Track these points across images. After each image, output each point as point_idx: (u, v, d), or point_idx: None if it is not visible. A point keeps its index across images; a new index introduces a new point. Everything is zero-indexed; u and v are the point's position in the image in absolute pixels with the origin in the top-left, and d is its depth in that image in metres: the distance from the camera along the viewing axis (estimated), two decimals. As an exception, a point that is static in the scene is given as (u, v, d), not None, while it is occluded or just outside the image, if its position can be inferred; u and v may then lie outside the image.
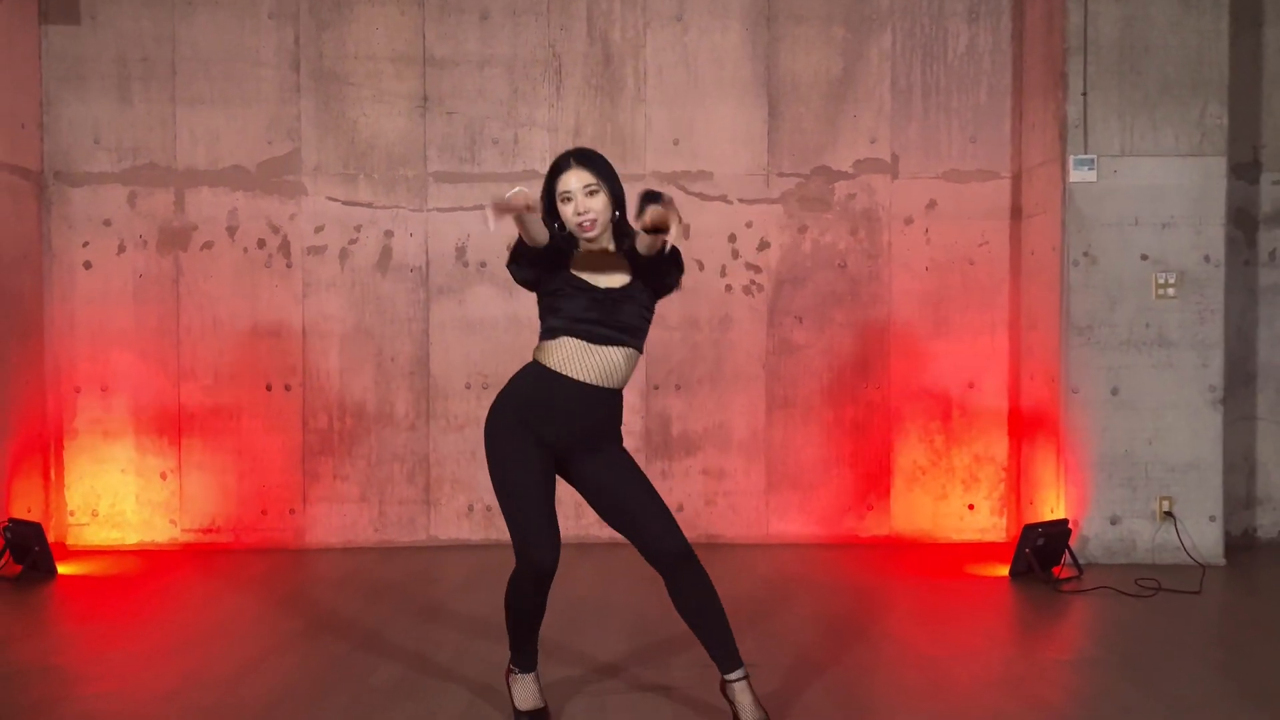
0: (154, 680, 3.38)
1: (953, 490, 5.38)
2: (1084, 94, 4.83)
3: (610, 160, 5.26)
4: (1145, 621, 3.98)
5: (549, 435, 2.85)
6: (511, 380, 2.95)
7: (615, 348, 2.83)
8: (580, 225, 2.82)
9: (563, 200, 2.84)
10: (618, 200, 2.88)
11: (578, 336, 2.82)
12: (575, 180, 2.82)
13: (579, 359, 2.82)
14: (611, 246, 2.89)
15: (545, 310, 2.90)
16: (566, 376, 2.83)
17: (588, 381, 2.83)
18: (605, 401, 2.86)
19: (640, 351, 2.89)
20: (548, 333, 2.88)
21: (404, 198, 5.32)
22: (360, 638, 3.82)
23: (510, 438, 2.87)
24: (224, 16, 5.25)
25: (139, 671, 3.47)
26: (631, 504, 2.89)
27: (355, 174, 5.31)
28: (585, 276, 2.84)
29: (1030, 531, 4.60)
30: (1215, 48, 4.80)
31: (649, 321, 2.89)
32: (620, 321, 2.82)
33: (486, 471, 5.29)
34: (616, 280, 2.84)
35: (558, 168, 2.85)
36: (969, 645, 3.71)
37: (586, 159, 2.85)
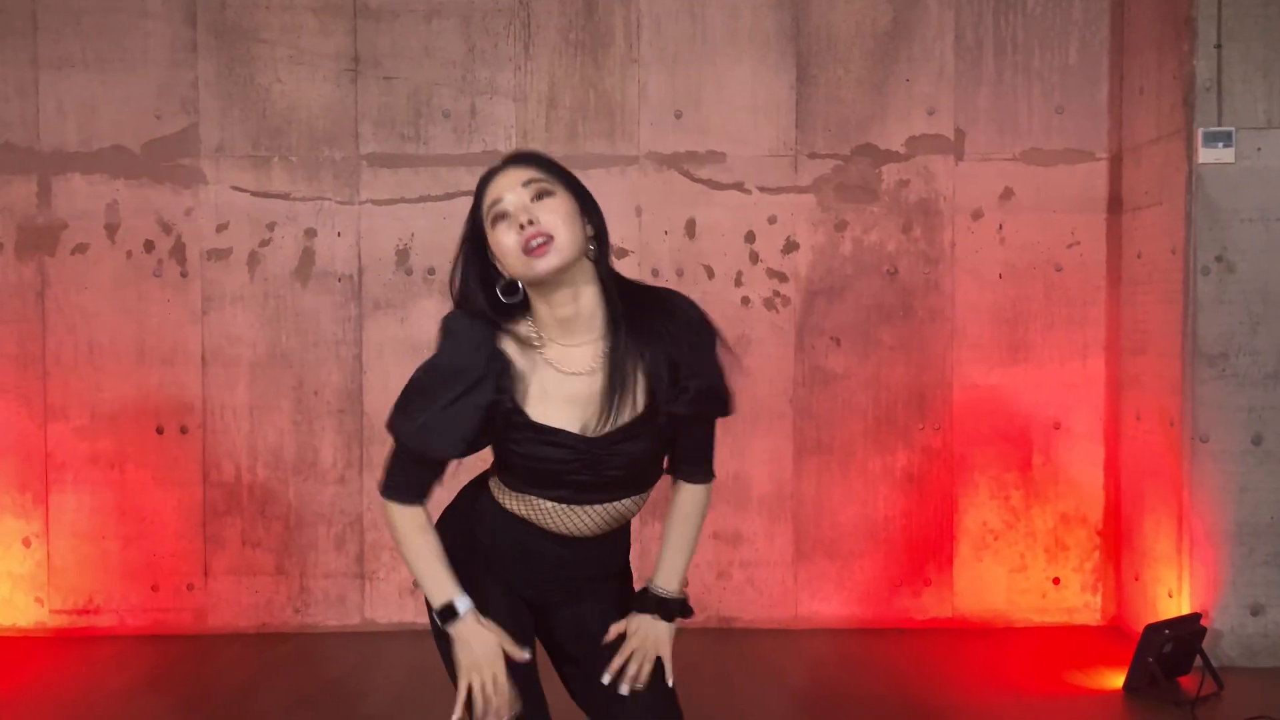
0: None
1: (1033, 561, 4.21)
2: (1218, 46, 3.66)
3: (596, 136, 4.21)
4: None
5: (525, 588, 1.93)
6: (454, 513, 1.97)
7: (614, 504, 1.86)
8: (528, 247, 1.69)
9: (494, 222, 1.74)
10: (593, 216, 1.79)
11: (548, 499, 1.83)
12: (510, 182, 1.74)
13: (552, 514, 1.84)
14: (596, 331, 1.79)
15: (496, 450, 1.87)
16: (537, 526, 1.87)
17: (566, 533, 1.86)
18: (600, 547, 1.92)
19: (649, 489, 1.91)
20: (506, 477, 1.86)
21: (330, 187, 4.18)
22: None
23: (485, 597, 1.87)
24: (99, -45, 4.12)
25: None
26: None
27: (268, 156, 4.17)
28: (553, 410, 1.76)
29: (1155, 633, 3.43)
30: (1396, -17, 3.62)
31: (661, 452, 1.88)
32: (615, 474, 1.80)
33: (436, 537, 4.22)
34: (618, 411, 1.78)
35: (482, 182, 1.79)
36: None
37: (524, 157, 1.80)
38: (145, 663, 3.86)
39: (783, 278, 4.21)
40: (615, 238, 4.35)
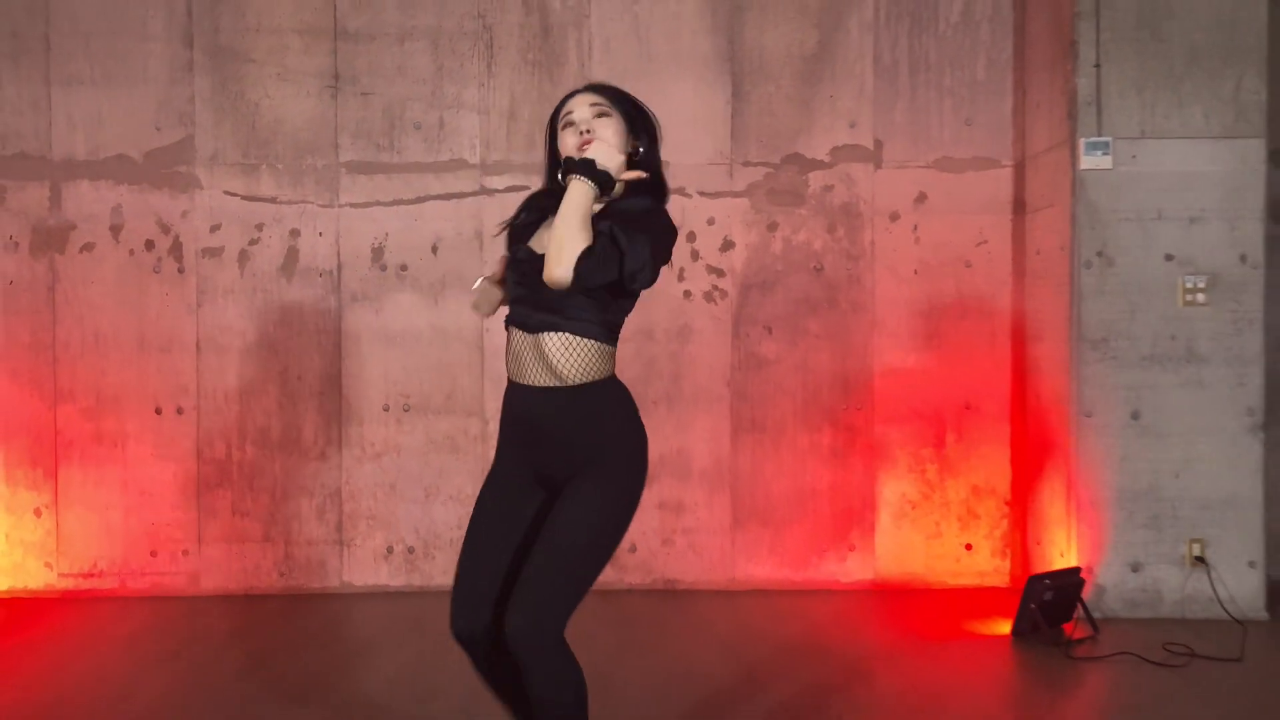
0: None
1: (948, 528, 4.66)
2: (1097, 65, 4.12)
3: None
4: (1175, 700, 3.26)
5: (525, 459, 2.32)
6: None
7: (546, 334, 2.25)
8: (582, 144, 2.29)
9: (564, 127, 2.35)
10: (640, 135, 2.35)
11: (512, 324, 2.32)
12: (580, 101, 2.36)
13: (515, 353, 2.29)
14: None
15: None
16: (511, 380, 2.33)
17: (525, 382, 2.28)
18: (550, 403, 2.25)
19: (585, 336, 2.25)
20: None
21: (312, 191, 4.63)
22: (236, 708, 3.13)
23: (493, 466, 2.40)
24: (106, -16, 4.58)
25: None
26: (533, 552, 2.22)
27: (256, 164, 4.62)
28: (536, 243, 2.33)
29: (1036, 584, 3.87)
30: (1252, 10, 4.08)
31: (594, 299, 2.23)
32: (545, 299, 2.22)
33: (408, 508, 4.65)
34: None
35: (563, 100, 2.40)
36: (959, 736, 3.00)
37: (598, 86, 2.41)
38: (144, 620, 4.24)
39: (720, 273, 4.67)
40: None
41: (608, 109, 2.32)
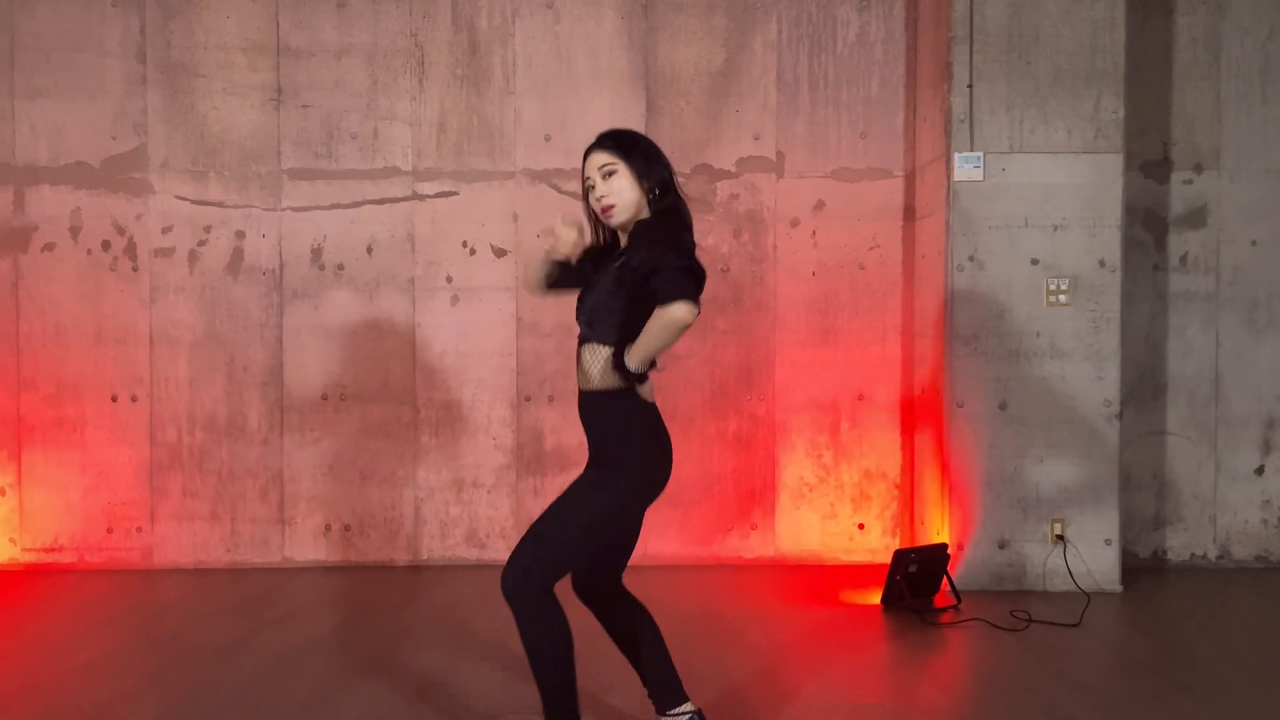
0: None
1: (842, 509, 5.05)
2: (970, 85, 4.50)
3: (478, 155, 5.04)
4: (1008, 661, 3.66)
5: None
6: None
7: (584, 345, 2.65)
8: (601, 210, 2.63)
9: (586, 191, 2.68)
10: (652, 177, 2.61)
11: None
12: (592, 165, 2.65)
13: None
14: None
15: None
16: None
17: (579, 387, 2.68)
18: (584, 407, 2.66)
19: (606, 344, 2.59)
20: None
21: (257, 196, 5.00)
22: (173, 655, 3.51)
23: None
24: (67, 4, 4.94)
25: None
26: None
27: (205, 171, 4.99)
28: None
29: (902, 557, 4.27)
30: (1110, 36, 4.46)
31: (618, 311, 2.56)
32: (586, 311, 2.63)
33: (345, 489, 5.03)
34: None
35: (584, 158, 2.69)
36: (811, 686, 3.39)
37: (606, 138, 2.65)
38: (100, 592, 4.59)
39: (634, 274, 5.04)
40: (496, 240, 5.18)
41: (614, 164, 2.58)
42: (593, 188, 2.62)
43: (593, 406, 2.62)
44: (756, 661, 3.67)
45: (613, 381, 2.57)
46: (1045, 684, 3.41)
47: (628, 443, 2.57)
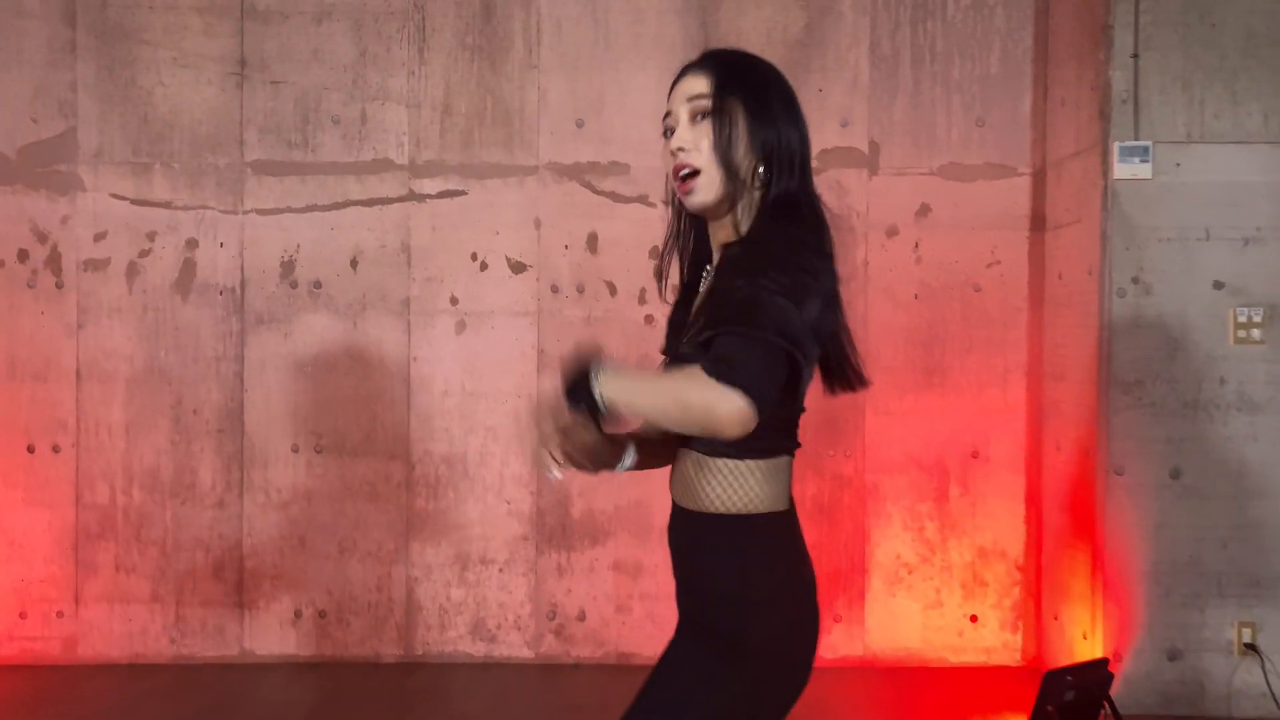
0: None
1: (950, 596, 4.00)
2: (1134, 55, 3.47)
3: (492, 145, 4.02)
4: None
5: None
6: None
7: (680, 449, 1.67)
8: (676, 175, 1.64)
9: (666, 133, 1.68)
10: (767, 142, 1.60)
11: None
12: (678, 94, 1.66)
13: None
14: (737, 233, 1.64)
15: None
16: None
17: (673, 502, 1.72)
18: (681, 525, 1.69)
19: (710, 454, 1.61)
20: None
21: (213, 195, 4.01)
22: None
23: None
24: (-25, -49, 3.96)
25: None
26: None
27: (149, 163, 4.00)
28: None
29: (1055, 681, 3.21)
30: (1323, -9, 3.43)
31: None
32: None
33: (320, 565, 4.03)
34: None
35: (674, 82, 1.69)
36: None
37: (711, 58, 1.67)
38: (10, 693, 3.69)
39: (688, 295, 4.02)
40: (513, 251, 4.16)
41: (709, 102, 1.61)
42: (669, 131, 1.65)
43: (695, 533, 1.64)
44: None
45: (737, 504, 1.59)
46: None
47: (749, 599, 1.57)
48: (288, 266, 4.01)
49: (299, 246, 4.01)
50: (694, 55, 3.87)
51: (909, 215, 4.01)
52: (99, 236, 4.01)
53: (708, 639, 1.59)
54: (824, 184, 4.03)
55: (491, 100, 4.02)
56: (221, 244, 4.00)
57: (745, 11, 4.01)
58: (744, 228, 1.62)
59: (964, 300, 4.01)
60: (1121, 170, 3.47)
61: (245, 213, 4.01)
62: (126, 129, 4.00)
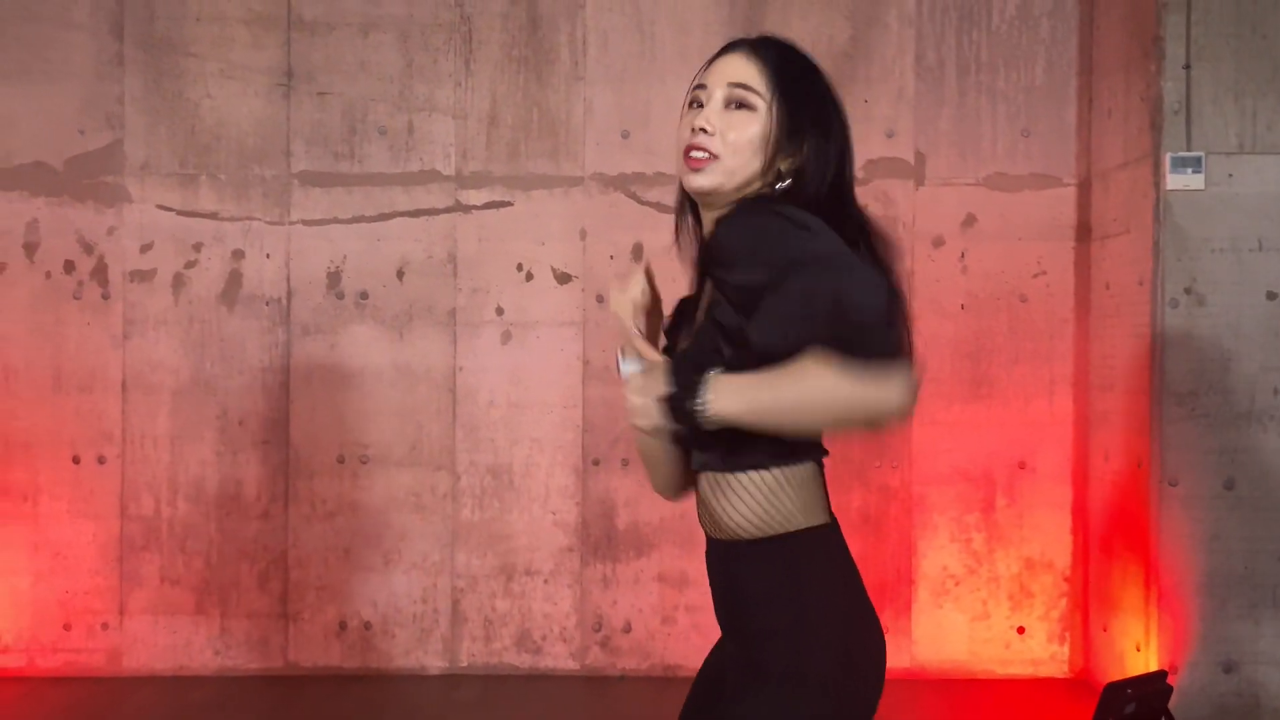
0: None
1: (997, 608, 3.99)
2: (1186, 67, 3.47)
3: (538, 156, 4.02)
4: None
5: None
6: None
7: (702, 474, 1.53)
8: (687, 153, 1.50)
9: (689, 105, 1.55)
10: (800, 147, 1.50)
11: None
12: (720, 74, 1.52)
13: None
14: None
15: None
16: None
17: (706, 534, 1.58)
18: (715, 559, 1.56)
19: (737, 471, 1.48)
20: None
21: (259, 206, 4.01)
22: None
23: None
24: (24, -36, 3.98)
25: None
26: None
27: (195, 174, 4.01)
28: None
29: (1115, 694, 3.19)
30: (1375, 2, 3.43)
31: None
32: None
33: (365, 576, 4.03)
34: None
35: (720, 51, 1.57)
36: None
37: (765, 50, 1.52)
38: (54, 706, 3.67)
39: (733, 306, 4.02)
40: (558, 262, 4.17)
41: (755, 97, 1.49)
42: (695, 103, 1.53)
43: (725, 559, 1.52)
44: None
45: (770, 524, 1.46)
46: None
47: (804, 629, 1.44)
48: (334, 277, 4.02)
49: (345, 257, 4.01)
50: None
51: (955, 226, 4.01)
52: (145, 248, 4.01)
53: (764, 683, 1.43)
54: (870, 195, 4.05)
55: (538, 112, 4.03)
56: (268, 255, 4.01)
57: (791, 22, 4.01)
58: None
59: (1010, 311, 4.00)
60: (1174, 181, 3.46)
61: (291, 224, 4.02)
62: (173, 140, 4.01)
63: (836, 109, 1.54)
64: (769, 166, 1.50)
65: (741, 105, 1.50)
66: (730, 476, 1.47)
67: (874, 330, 1.31)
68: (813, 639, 1.43)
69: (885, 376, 1.30)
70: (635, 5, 4.02)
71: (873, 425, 1.37)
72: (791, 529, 1.46)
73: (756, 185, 1.50)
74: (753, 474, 1.46)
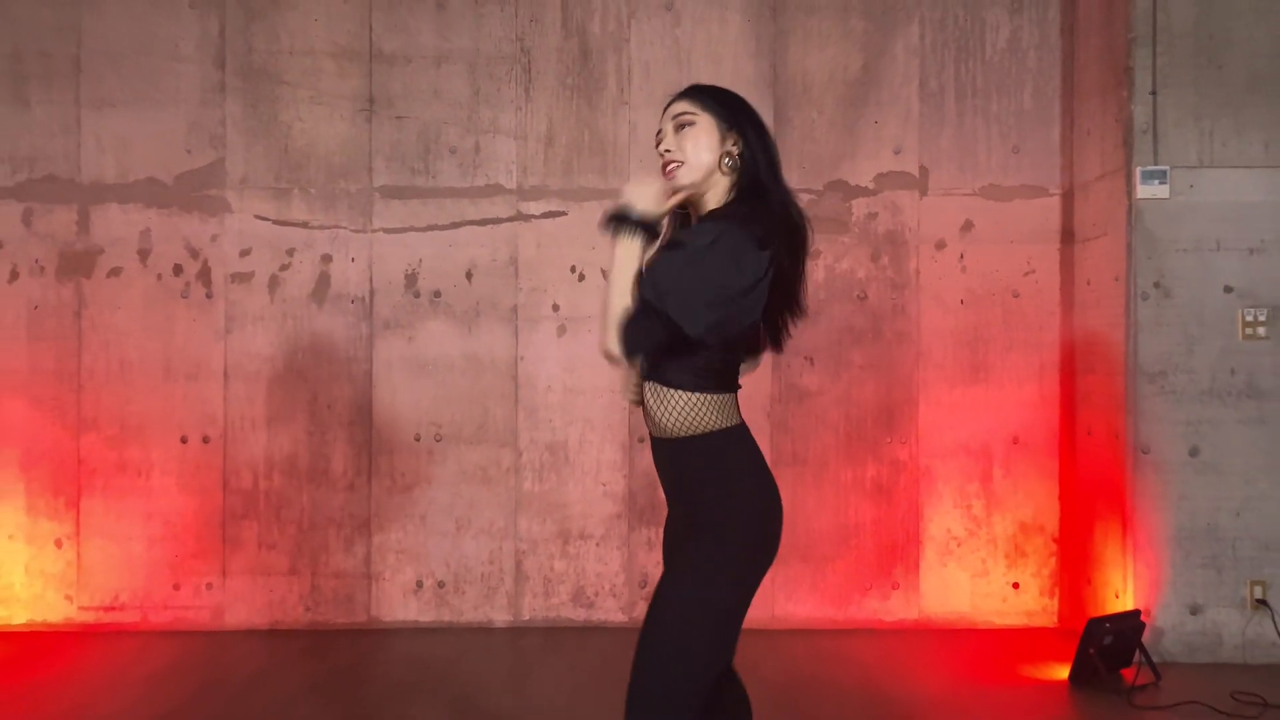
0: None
1: (995, 566, 4.52)
2: (1153, 93, 4.01)
3: (589, 172, 4.55)
4: (1253, 754, 3.11)
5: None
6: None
7: (647, 382, 2.08)
8: (664, 170, 2.10)
9: (657, 145, 2.17)
10: (734, 142, 2.08)
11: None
12: (666, 116, 2.15)
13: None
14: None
15: None
16: None
17: (650, 432, 2.13)
18: (658, 454, 2.10)
19: (673, 386, 2.02)
20: None
21: (345, 216, 4.53)
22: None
23: None
24: (138, 4, 4.50)
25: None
26: None
27: (288, 188, 4.53)
28: None
29: (1096, 627, 3.73)
30: (1314, 37, 3.98)
31: (679, 347, 1.99)
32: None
33: (439, 540, 4.52)
34: None
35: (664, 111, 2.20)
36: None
37: (691, 90, 2.15)
38: (165, 657, 4.11)
39: (761, 302, 4.55)
40: (607, 264, 4.70)
41: (693, 114, 2.07)
42: (659, 143, 2.12)
43: (674, 461, 2.05)
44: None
45: (696, 426, 2.00)
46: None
47: (727, 497, 1.99)
48: (411, 279, 4.54)
49: (421, 261, 4.54)
50: (764, 92, 4.57)
51: (955, 231, 4.55)
52: (244, 253, 4.53)
53: (701, 532, 1.97)
54: (880, 203, 4.64)
55: (588, 133, 4.57)
56: (352, 259, 4.53)
57: (809, 54, 4.56)
58: (712, 205, 2.08)
59: (1004, 305, 4.54)
60: (1144, 191, 4.01)
61: (373, 231, 4.54)
62: (269, 158, 4.54)
63: (755, 113, 2.11)
64: (721, 154, 2.05)
65: (685, 124, 2.08)
66: (665, 390, 2.02)
67: (643, 307, 1.92)
68: (735, 501, 1.99)
69: (616, 334, 1.93)
70: (674, 39, 4.56)
71: (602, 343, 1.97)
72: (712, 429, 2.00)
73: (716, 175, 2.06)
74: (680, 392, 2.01)
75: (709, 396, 2.01)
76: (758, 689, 3.73)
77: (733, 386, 2.06)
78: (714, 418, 2.02)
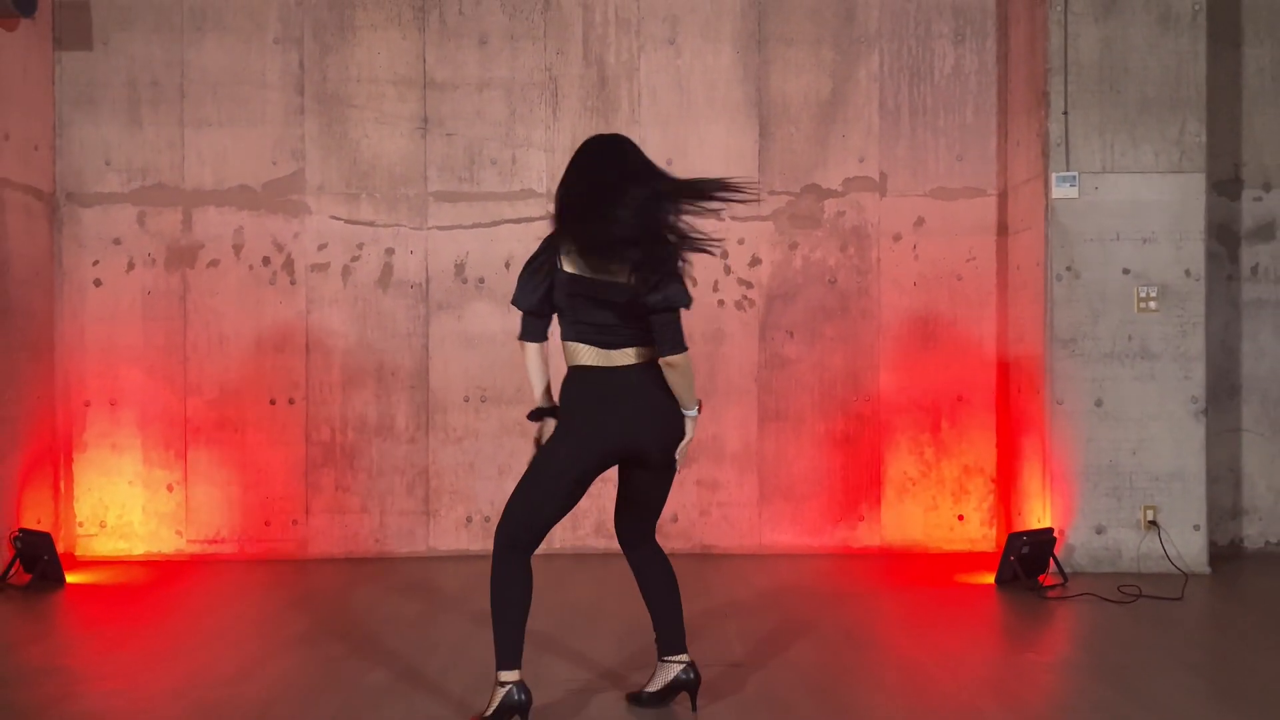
0: (159, 679, 3.49)
1: (943, 501, 5.47)
2: (1065, 113, 4.96)
3: (605, 179, 5.46)
4: (1125, 626, 4.07)
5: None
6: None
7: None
8: None
9: None
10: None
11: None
12: None
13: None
14: None
15: None
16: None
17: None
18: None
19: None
20: None
21: (405, 216, 5.46)
22: (356, 642, 3.93)
23: None
24: (231, 41, 5.42)
25: (145, 672, 3.58)
26: None
27: (357, 193, 5.46)
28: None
29: (1015, 539, 4.69)
30: (1193, 68, 4.93)
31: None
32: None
33: (484, 483, 5.46)
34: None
35: None
36: (951, 649, 3.80)
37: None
38: (259, 581, 5.00)
39: (749, 285, 5.50)
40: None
41: None
42: None
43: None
44: (907, 626, 4.09)
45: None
46: (1167, 641, 3.83)
47: (565, 403, 3.24)
48: (459, 268, 5.48)
49: (468, 253, 5.47)
50: (751, 113, 5.57)
51: (909, 225, 5.50)
52: (321, 247, 5.46)
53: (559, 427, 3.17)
54: (847, 204, 5.61)
55: (606, 145, 5.49)
56: (411, 252, 5.47)
57: (788, 80, 5.50)
58: None
59: (950, 287, 5.48)
60: (1058, 192, 4.95)
61: (428, 229, 5.48)
62: (341, 169, 5.47)
63: (575, 156, 3.23)
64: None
65: None
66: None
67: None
68: (566, 407, 3.15)
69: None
70: (676, 68, 5.50)
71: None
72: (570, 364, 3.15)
73: None
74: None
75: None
76: (750, 594, 4.70)
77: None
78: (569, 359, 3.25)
